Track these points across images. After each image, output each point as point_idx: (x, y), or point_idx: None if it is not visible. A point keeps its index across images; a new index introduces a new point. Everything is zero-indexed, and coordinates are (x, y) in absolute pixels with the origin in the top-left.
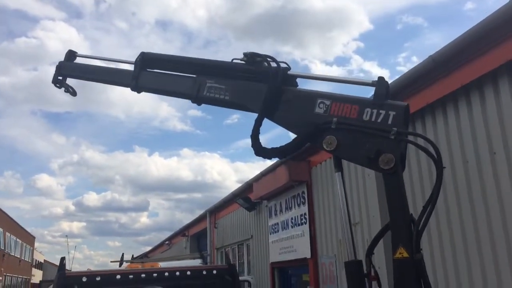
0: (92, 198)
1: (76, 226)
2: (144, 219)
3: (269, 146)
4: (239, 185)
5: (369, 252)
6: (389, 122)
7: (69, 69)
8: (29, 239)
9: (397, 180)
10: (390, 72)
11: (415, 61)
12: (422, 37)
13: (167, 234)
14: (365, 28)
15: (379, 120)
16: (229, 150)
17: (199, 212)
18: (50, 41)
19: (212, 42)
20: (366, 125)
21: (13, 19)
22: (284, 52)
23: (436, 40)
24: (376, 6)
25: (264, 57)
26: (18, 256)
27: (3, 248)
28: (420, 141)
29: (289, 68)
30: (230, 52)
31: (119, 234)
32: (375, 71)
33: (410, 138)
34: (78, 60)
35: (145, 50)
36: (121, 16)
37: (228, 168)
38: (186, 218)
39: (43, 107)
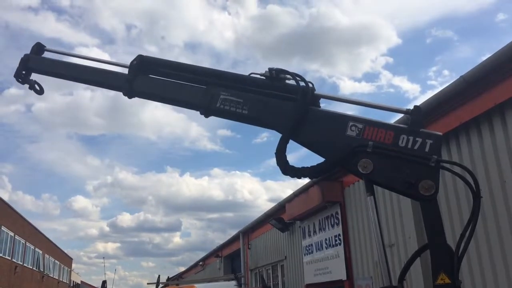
0: (125, 219)
1: (110, 247)
2: (177, 239)
3: (298, 165)
4: (270, 204)
5: (401, 278)
6: (426, 149)
7: (38, 63)
8: (66, 260)
9: (436, 206)
10: (421, 86)
11: (447, 74)
12: (453, 50)
13: (200, 254)
14: (393, 43)
15: (415, 147)
16: (259, 169)
17: (231, 232)
18: None
19: (240, 62)
20: (403, 151)
21: (49, 47)
22: (312, 70)
23: (468, 53)
24: (403, 21)
25: (293, 75)
26: (57, 278)
27: (42, 270)
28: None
29: (315, 88)
30: (258, 71)
31: (153, 254)
32: (405, 86)
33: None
34: (47, 55)
35: None
36: (151, 41)
37: (259, 187)
38: (218, 238)
39: (78, 131)
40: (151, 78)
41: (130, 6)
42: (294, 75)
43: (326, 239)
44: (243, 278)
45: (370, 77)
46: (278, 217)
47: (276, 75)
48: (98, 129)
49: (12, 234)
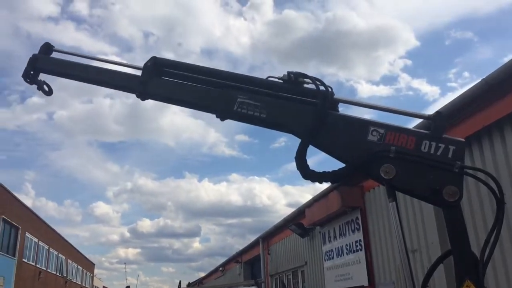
0: (146, 225)
1: (131, 252)
2: (196, 244)
3: (317, 170)
4: (289, 209)
5: (424, 284)
6: (449, 155)
7: (47, 63)
8: (89, 266)
9: (460, 213)
10: (441, 89)
11: (467, 76)
12: (473, 51)
13: (219, 259)
14: (411, 45)
15: (438, 153)
16: (278, 174)
17: (250, 237)
18: None
19: (257, 67)
20: (426, 156)
21: (70, 55)
22: (329, 73)
23: (488, 54)
24: (422, 23)
25: (313, 79)
26: (79, 283)
27: (65, 275)
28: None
29: (334, 93)
30: (275, 75)
31: (173, 260)
32: (425, 88)
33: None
34: (55, 55)
35: None
36: (168, 48)
37: (277, 192)
38: (238, 243)
39: (98, 138)
40: (166, 80)
41: (147, 14)
42: (314, 79)
43: (346, 245)
44: (263, 284)
45: (388, 80)
46: (298, 222)
47: (294, 79)
48: (118, 136)
49: (36, 240)
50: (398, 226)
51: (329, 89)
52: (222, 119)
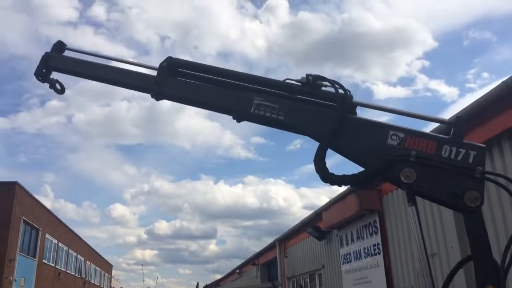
0: (162, 227)
1: (148, 254)
2: (212, 246)
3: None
4: (305, 211)
5: None
6: (470, 161)
7: (60, 62)
8: (107, 267)
9: (481, 218)
10: (459, 89)
11: (486, 77)
12: (492, 51)
13: (235, 261)
14: (429, 46)
15: (459, 158)
16: (293, 176)
17: (266, 239)
18: None
19: (272, 70)
20: (447, 161)
21: (82, 54)
22: (345, 75)
23: (508, 55)
24: (439, 23)
25: (332, 82)
26: (98, 284)
27: (84, 276)
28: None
29: (352, 96)
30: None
31: (189, 261)
32: (443, 89)
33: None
34: (68, 54)
35: None
36: (185, 51)
37: (293, 194)
38: (254, 245)
39: (116, 141)
40: (181, 80)
41: (164, 18)
42: (333, 82)
43: (364, 248)
44: (280, 286)
45: (405, 81)
46: (315, 225)
47: (312, 82)
48: (135, 138)
49: (55, 241)
50: (418, 231)
51: (348, 93)
52: (239, 120)
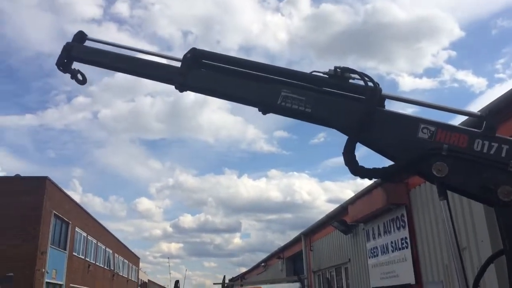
0: (187, 220)
1: (174, 247)
2: (237, 240)
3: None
4: (329, 204)
5: (476, 284)
6: (503, 155)
7: (81, 52)
8: (134, 259)
9: None
10: (488, 80)
11: None
12: None
13: (260, 255)
14: (456, 36)
15: (491, 152)
16: (317, 170)
17: (290, 233)
18: None
19: (295, 62)
20: (480, 155)
21: (103, 44)
22: (369, 67)
23: None
24: (466, 12)
25: (362, 75)
26: (126, 276)
27: (112, 269)
28: None
29: (381, 89)
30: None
31: (214, 255)
32: (471, 80)
33: None
34: (88, 44)
35: None
36: (207, 45)
37: (317, 188)
38: (278, 239)
39: (140, 136)
40: (205, 72)
41: (186, 13)
42: (362, 75)
43: (391, 242)
44: (306, 280)
45: (431, 72)
46: (341, 219)
47: (341, 74)
48: (159, 133)
49: (85, 234)
50: (450, 225)
51: (377, 85)
52: (264, 113)
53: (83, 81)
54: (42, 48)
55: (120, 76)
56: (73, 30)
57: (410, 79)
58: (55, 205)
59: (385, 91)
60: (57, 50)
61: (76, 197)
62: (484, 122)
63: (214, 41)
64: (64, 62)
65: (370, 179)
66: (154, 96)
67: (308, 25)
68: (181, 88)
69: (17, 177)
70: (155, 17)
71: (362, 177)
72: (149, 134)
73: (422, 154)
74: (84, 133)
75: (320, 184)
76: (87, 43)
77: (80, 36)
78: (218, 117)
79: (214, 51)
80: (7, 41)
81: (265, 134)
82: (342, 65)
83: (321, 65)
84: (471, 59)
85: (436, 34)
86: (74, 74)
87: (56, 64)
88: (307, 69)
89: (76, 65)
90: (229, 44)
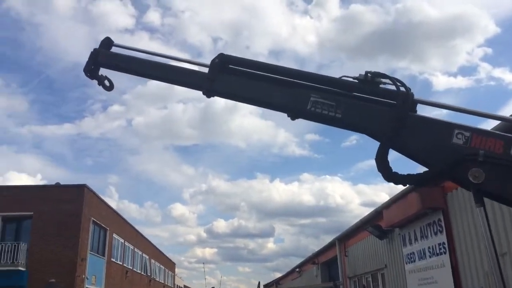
0: (221, 225)
1: (208, 252)
2: (270, 244)
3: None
4: (363, 208)
5: None
6: None
7: (109, 58)
8: (170, 265)
9: None
10: None
11: None
12: None
13: (294, 259)
14: (491, 33)
15: None
16: (350, 173)
17: (324, 237)
18: None
19: (325, 65)
20: None
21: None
22: (400, 67)
23: None
24: (501, 8)
25: (393, 79)
26: (162, 282)
27: (149, 274)
28: None
29: (413, 94)
30: (344, 72)
31: (248, 260)
32: (508, 77)
33: None
34: (115, 50)
35: None
36: (237, 51)
37: (351, 191)
38: (312, 244)
39: (173, 142)
40: (234, 77)
41: (215, 20)
42: (394, 80)
43: (429, 247)
44: (341, 286)
45: (466, 70)
46: (375, 224)
47: (371, 79)
48: (191, 139)
49: (122, 240)
50: (487, 232)
51: (409, 90)
52: (293, 118)
53: (110, 87)
54: (78, 59)
55: (153, 84)
56: None
57: (444, 78)
58: (93, 212)
59: (418, 91)
60: None
61: (112, 203)
62: None
63: (243, 46)
64: (91, 68)
65: (404, 185)
66: (186, 102)
67: (338, 27)
68: (208, 93)
69: (57, 185)
70: (185, 24)
71: (396, 183)
72: (181, 141)
73: (458, 160)
74: (119, 140)
75: (353, 188)
76: (113, 49)
77: (107, 42)
78: (249, 122)
79: (243, 57)
80: (45, 53)
81: (296, 137)
82: (373, 70)
83: (351, 67)
84: (507, 56)
85: (470, 31)
86: (101, 80)
87: (84, 70)
88: (337, 72)
89: (103, 71)
90: (258, 49)
